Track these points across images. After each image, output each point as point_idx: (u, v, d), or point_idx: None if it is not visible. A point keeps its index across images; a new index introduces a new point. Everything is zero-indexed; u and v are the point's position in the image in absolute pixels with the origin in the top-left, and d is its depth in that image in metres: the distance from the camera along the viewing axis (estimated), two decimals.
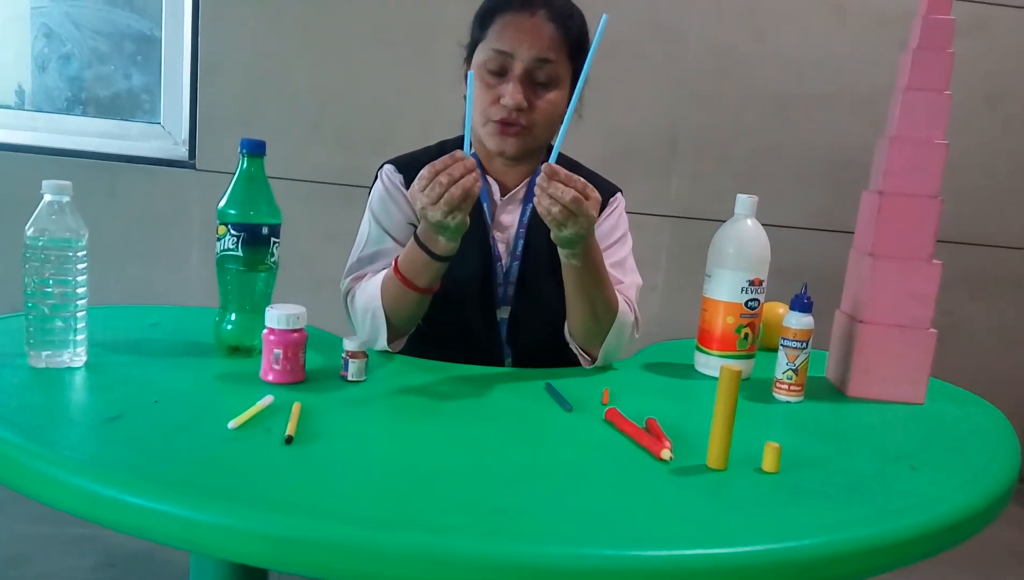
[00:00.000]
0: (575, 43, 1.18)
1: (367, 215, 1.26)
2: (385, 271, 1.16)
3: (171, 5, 2.38)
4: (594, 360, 1.18)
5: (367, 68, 2.39)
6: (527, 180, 1.26)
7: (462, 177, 0.96)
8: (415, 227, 1.22)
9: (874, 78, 2.42)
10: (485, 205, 1.24)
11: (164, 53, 2.42)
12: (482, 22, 1.18)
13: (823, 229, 2.55)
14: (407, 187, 1.23)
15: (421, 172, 0.99)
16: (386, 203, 1.24)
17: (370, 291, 1.16)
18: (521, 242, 1.24)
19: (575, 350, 1.20)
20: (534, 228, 1.24)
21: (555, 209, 0.97)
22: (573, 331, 1.19)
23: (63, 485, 0.69)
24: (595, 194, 1.00)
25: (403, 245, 1.21)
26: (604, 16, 1.00)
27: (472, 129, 1.22)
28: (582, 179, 0.99)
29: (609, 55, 2.47)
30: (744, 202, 1.16)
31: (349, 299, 1.21)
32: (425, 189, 0.98)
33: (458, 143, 1.29)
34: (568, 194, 0.97)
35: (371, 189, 1.29)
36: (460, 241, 1.06)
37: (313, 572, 0.63)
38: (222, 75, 2.37)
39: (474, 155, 1.21)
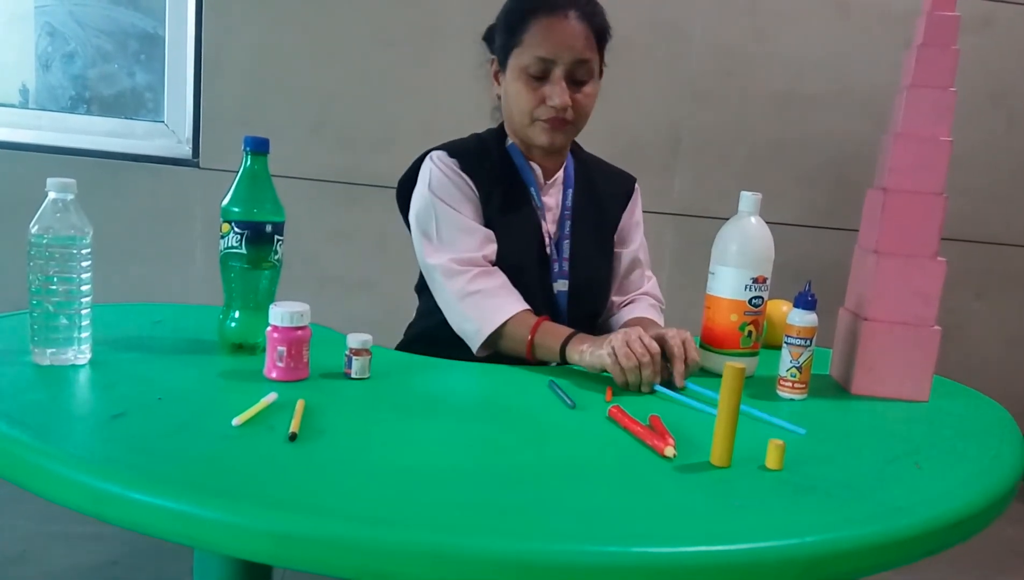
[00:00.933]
0: (601, 34, 1.27)
1: (429, 199, 1.26)
2: (518, 309, 1.21)
3: (174, 3, 2.39)
4: None
5: (368, 68, 2.39)
6: (563, 165, 1.36)
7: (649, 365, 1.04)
8: (477, 204, 1.29)
9: (877, 76, 2.42)
10: (532, 189, 1.32)
11: (167, 51, 2.43)
12: (514, 27, 1.24)
13: (826, 227, 2.54)
14: (462, 169, 1.28)
15: (632, 339, 1.05)
16: (447, 186, 1.27)
17: (491, 310, 1.20)
18: (568, 223, 1.33)
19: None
20: (578, 210, 1.35)
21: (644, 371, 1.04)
22: None
23: (67, 482, 0.69)
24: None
25: (472, 220, 1.27)
26: None
27: (510, 123, 1.32)
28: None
29: (612, 54, 2.47)
30: (748, 199, 1.16)
31: (456, 284, 1.23)
32: (629, 356, 1.04)
33: (491, 137, 1.35)
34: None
35: (412, 175, 1.32)
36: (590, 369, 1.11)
37: (316, 569, 0.63)
38: (225, 74, 2.37)
39: (513, 147, 1.33)
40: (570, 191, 1.35)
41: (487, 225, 1.28)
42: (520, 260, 1.29)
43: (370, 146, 2.39)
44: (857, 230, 1.22)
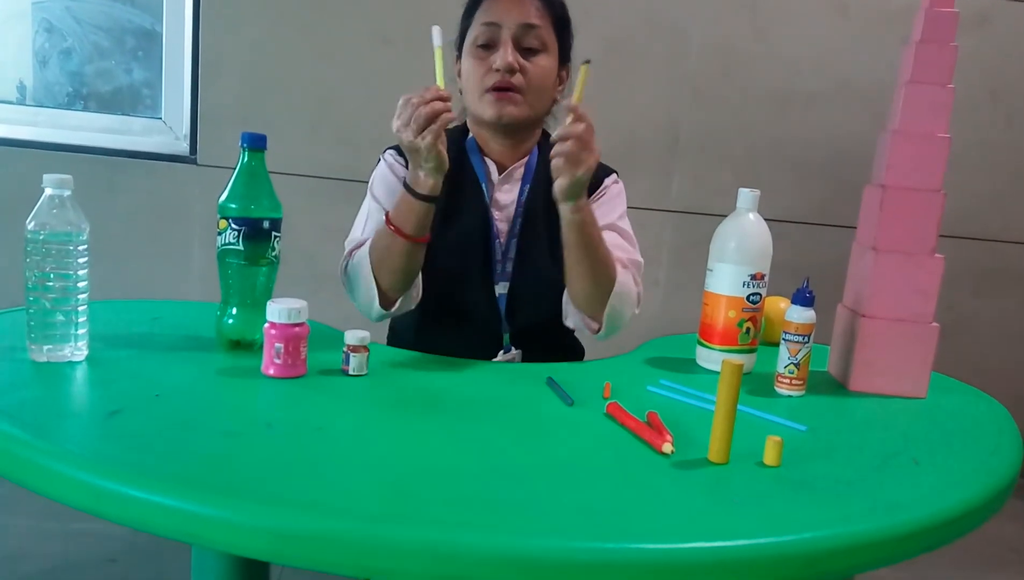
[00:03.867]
0: (558, 17, 1.25)
1: (367, 197, 1.28)
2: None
3: (172, 0, 2.38)
4: (599, 327, 1.22)
5: (367, 64, 2.38)
6: (524, 160, 1.30)
7: (433, 100, 1.04)
8: None
9: (875, 73, 2.42)
10: (484, 185, 1.28)
11: (165, 48, 2.42)
12: (469, 10, 1.26)
13: (825, 224, 2.54)
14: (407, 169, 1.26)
15: (399, 102, 1.06)
16: (388, 183, 1.26)
17: (360, 254, 1.19)
18: (520, 221, 1.27)
19: (579, 320, 1.24)
20: (532, 207, 1.27)
21: (565, 147, 1.03)
22: (575, 296, 1.21)
23: (64, 479, 0.69)
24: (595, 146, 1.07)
25: None
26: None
27: (468, 108, 1.29)
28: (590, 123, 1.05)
29: (610, 51, 2.48)
30: (746, 196, 1.16)
31: (344, 273, 1.22)
32: (400, 114, 1.06)
33: (451, 134, 1.30)
34: (580, 126, 1.04)
35: (372, 174, 1.31)
36: (440, 179, 1.10)
37: (314, 565, 0.63)
38: (223, 70, 2.37)
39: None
40: (527, 187, 1.28)
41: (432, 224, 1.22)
42: (461, 261, 1.24)
43: (369, 143, 2.37)
44: (855, 227, 1.22)
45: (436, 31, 1.11)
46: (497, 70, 1.19)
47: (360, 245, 1.23)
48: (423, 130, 1.04)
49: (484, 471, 0.76)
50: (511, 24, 1.19)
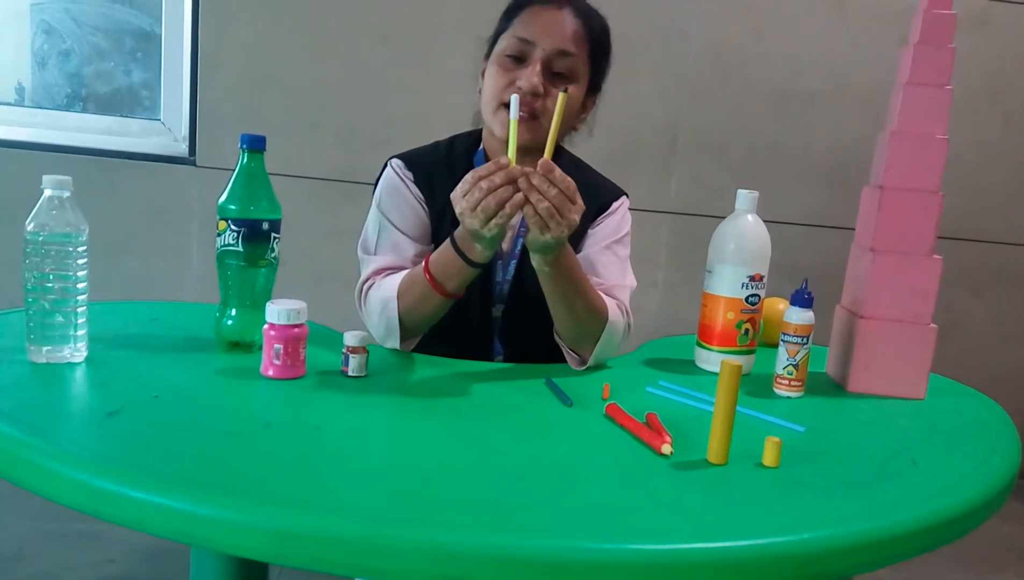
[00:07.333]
0: (596, 43, 1.19)
1: (374, 212, 1.23)
2: (407, 270, 1.15)
3: (171, 1, 2.38)
4: (584, 361, 1.17)
5: (367, 64, 2.39)
6: None
7: (501, 186, 0.96)
8: (426, 223, 1.23)
9: (874, 74, 2.43)
10: None
11: (164, 49, 2.42)
12: (509, 14, 1.19)
13: (823, 225, 2.55)
14: (416, 184, 1.23)
15: (466, 176, 0.98)
16: (395, 198, 1.22)
17: (386, 290, 1.14)
18: (520, 241, 1.24)
19: (564, 350, 1.19)
20: None
21: (542, 205, 0.95)
22: (560, 334, 1.17)
23: (63, 479, 0.69)
24: (580, 202, 0.99)
25: (414, 240, 1.21)
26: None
27: (484, 116, 1.22)
28: (573, 183, 0.98)
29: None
30: (745, 197, 1.16)
31: (363, 296, 1.18)
32: (466, 194, 0.97)
33: (462, 145, 1.28)
34: (552, 191, 0.96)
35: (376, 183, 1.27)
36: (495, 249, 1.05)
37: (313, 566, 0.63)
38: (222, 71, 2.37)
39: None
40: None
41: (441, 240, 1.16)
42: None
43: (367, 143, 2.38)
44: (853, 228, 1.22)
45: (515, 101, 1.02)
46: (519, 86, 1.12)
47: (380, 271, 1.18)
48: (491, 221, 0.97)
49: (483, 472, 0.76)
50: (546, 46, 1.13)
